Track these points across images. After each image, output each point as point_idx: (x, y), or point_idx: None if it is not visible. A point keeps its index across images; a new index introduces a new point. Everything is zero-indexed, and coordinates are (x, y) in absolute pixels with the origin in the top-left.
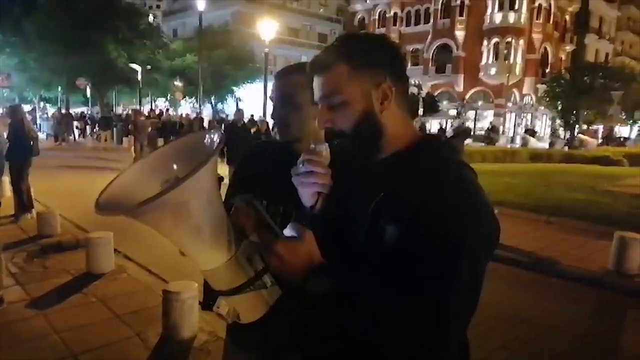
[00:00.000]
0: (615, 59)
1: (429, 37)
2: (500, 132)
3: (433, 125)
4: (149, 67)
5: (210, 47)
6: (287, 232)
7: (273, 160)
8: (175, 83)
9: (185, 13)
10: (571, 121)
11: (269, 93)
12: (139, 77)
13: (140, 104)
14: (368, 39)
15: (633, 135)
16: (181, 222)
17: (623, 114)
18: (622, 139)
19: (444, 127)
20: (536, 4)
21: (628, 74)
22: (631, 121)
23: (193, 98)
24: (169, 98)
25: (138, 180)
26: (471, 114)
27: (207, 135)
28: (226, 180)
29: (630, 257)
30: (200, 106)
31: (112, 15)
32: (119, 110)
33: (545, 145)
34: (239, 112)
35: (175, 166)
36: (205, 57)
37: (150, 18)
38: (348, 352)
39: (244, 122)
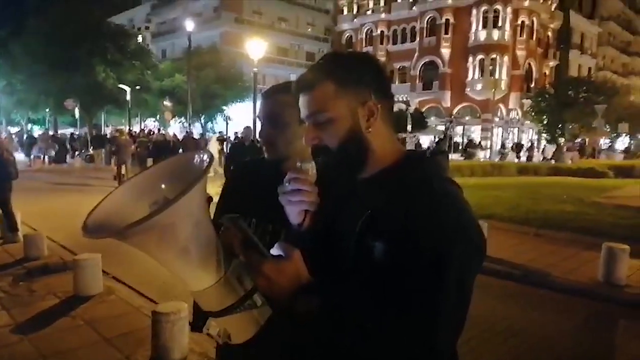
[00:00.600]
0: (597, 73)
1: (416, 54)
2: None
3: (425, 141)
4: (138, 87)
5: (199, 67)
6: (275, 251)
7: (262, 178)
8: (165, 103)
9: (173, 34)
10: (556, 135)
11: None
12: (128, 98)
13: (129, 124)
14: (353, 57)
15: (619, 147)
16: (170, 244)
17: (607, 127)
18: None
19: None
20: (519, 22)
21: (610, 88)
22: (615, 134)
23: (182, 117)
24: (158, 118)
25: (126, 201)
26: (459, 129)
27: (196, 156)
28: (216, 199)
29: (618, 268)
30: (189, 125)
31: (100, 37)
32: (108, 130)
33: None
34: (247, 129)
35: (163, 187)
36: (194, 77)
37: (139, 39)
38: None
39: (252, 139)
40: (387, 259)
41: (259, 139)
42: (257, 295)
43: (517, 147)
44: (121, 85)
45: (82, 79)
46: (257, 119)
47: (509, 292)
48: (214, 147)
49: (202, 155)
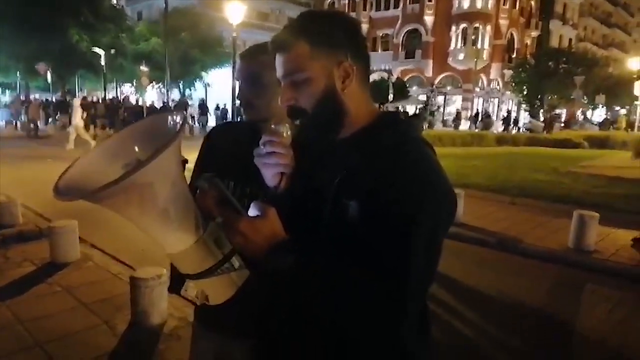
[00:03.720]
0: (578, 44)
1: (399, 22)
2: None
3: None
4: (112, 51)
5: (177, 30)
6: (251, 211)
7: (239, 141)
8: (141, 68)
9: None
10: (536, 105)
11: None
12: (103, 62)
13: (105, 90)
14: (328, 18)
15: (596, 119)
16: (145, 205)
17: (585, 98)
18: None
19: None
20: None
21: (590, 60)
22: (593, 105)
23: (160, 84)
24: (134, 84)
25: (98, 164)
26: (440, 98)
27: (169, 117)
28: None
29: (588, 235)
30: (167, 92)
31: None
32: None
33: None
34: None
35: (136, 149)
36: (171, 41)
37: (114, 0)
38: (313, 326)
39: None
40: (361, 217)
41: (238, 100)
42: (235, 257)
43: (475, 117)
44: (95, 49)
45: (54, 42)
46: (236, 81)
47: (485, 258)
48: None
49: (175, 116)
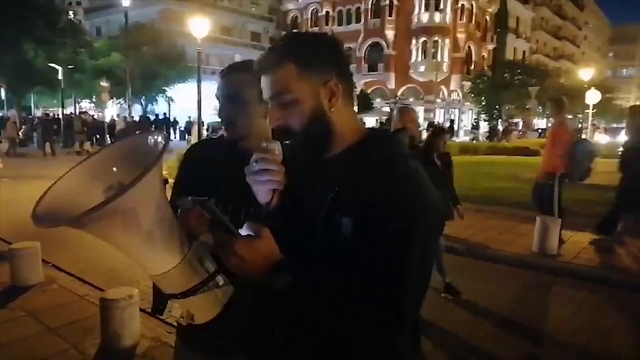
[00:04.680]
0: (531, 56)
1: (361, 36)
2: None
3: (370, 123)
4: (71, 66)
5: (138, 45)
6: (244, 231)
7: (219, 159)
8: (101, 83)
9: (108, 10)
10: (494, 115)
11: (203, 92)
12: (60, 77)
13: (62, 106)
14: (313, 39)
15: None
16: (130, 229)
17: (540, 108)
18: (539, 131)
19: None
20: (459, 5)
21: (543, 71)
22: (547, 114)
23: (121, 99)
24: (94, 99)
25: (78, 187)
26: None
27: (149, 137)
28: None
29: (550, 239)
30: (129, 107)
31: (27, 13)
32: (38, 113)
33: None
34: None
35: (116, 170)
36: (132, 56)
37: (71, 15)
38: (308, 341)
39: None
40: (355, 232)
41: (218, 117)
42: (220, 275)
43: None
44: (52, 65)
45: (8, 57)
46: (216, 98)
47: (454, 265)
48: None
49: (156, 137)
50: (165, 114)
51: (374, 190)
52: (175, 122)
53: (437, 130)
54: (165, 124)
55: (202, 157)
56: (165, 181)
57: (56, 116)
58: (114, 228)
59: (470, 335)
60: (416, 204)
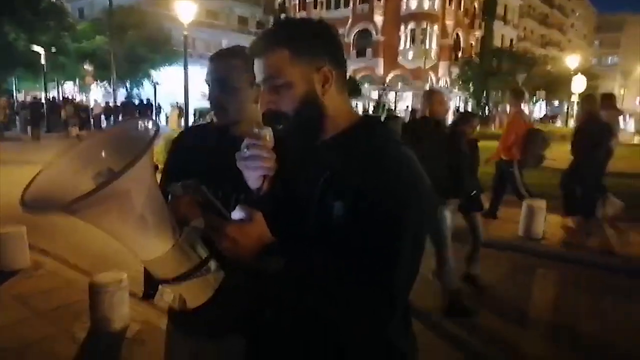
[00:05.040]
0: (519, 44)
1: (349, 21)
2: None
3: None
4: (53, 49)
5: (123, 28)
6: (236, 214)
7: (209, 144)
8: (85, 67)
9: None
10: (482, 102)
11: (190, 78)
12: (43, 61)
13: (45, 90)
14: (307, 24)
15: (537, 115)
16: (122, 215)
17: (527, 95)
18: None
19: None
20: None
21: (530, 58)
22: (534, 101)
23: (105, 82)
24: (77, 82)
25: (67, 173)
26: (392, 96)
27: (138, 123)
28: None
29: (536, 223)
30: (114, 91)
31: None
32: (20, 96)
33: None
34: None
35: (104, 156)
36: (117, 39)
37: None
38: (301, 324)
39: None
40: (347, 217)
41: (209, 102)
42: (212, 260)
43: (412, 112)
44: (34, 47)
45: None
46: (206, 84)
47: None
48: None
49: (145, 123)
50: (148, 99)
51: (367, 175)
52: (160, 108)
53: (465, 115)
54: (149, 109)
55: (192, 143)
56: (156, 167)
57: (40, 100)
58: (105, 214)
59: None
60: (408, 189)
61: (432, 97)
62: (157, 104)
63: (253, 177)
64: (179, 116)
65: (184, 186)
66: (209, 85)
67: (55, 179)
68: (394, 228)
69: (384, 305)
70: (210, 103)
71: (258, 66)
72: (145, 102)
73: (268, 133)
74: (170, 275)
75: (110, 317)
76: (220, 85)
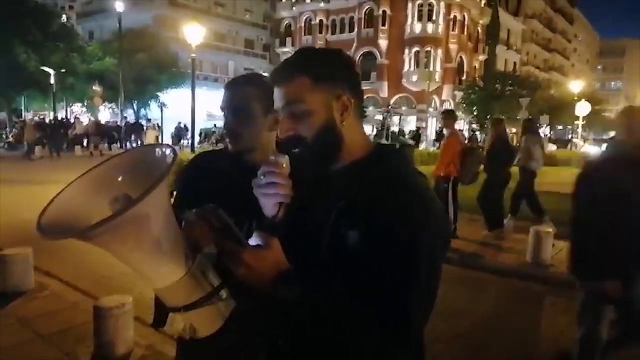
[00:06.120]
0: (522, 68)
1: (354, 45)
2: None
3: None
4: (63, 70)
5: (131, 50)
6: (252, 241)
7: (223, 171)
8: (94, 87)
9: (101, 15)
10: (485, 125)
11: (197, 99)
12: (52, 81)
13: (54, 110)
14: (328, 53)
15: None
16: (138, 241)
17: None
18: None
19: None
20: (451, 16)
21: (533, 82)
22: (537, 125)
23: (113, 103)
24: (86, 103)
25: (83, 198)
26: (396, 118)
27: (156, 149)
28: None
29: (544, 249)
30: (121, 112)
31: (19, 15)
32: (29, 116)
33: None
34: None
35: (121, 180)
36: (125, 61)
37: (63, 18)
38: (315, 352)
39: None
40: (361, 247)
41: (224, 130)
42: (223, 288)
43: (416, 135)
44: (44, 68)
45: None
46: (221, 111)
47: (448, 274)
48: None
49: (163, 149)
50: (137, 119)
51: (381, 204)
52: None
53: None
54: (135, 129)
55: (205, 169)
56: (171, 193)
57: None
58: (121, 241)
59: (464, 348)
60: (424, 219)
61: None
62: (151, 124)
63: (269, 204)
64: (157, 136)
65: (203, 210)
66: (224, 112)
67: (71, 204)
68: (410, 259)
69: (399, 336)
70: (225, 130)
71: (278, 94)
72: (154, 120)
73: (285, 160)
74: (182, 303)
75: (114, 341)
76: (235, 112)
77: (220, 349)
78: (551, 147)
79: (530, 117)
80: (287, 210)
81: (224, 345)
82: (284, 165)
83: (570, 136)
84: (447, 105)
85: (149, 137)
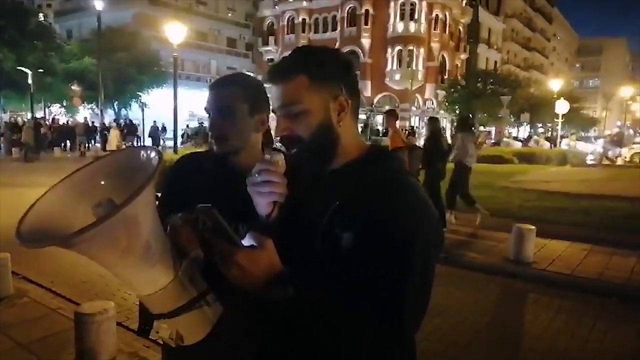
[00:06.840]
0: (502, 67)
1: (337, 44)
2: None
3: None
4: (40, 70)
5: (111, 49)
6: (246, 241)
7: (208, 173)
8: (73, 87)
9: (80, 13)
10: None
11: (179, 99)
12: (30, 81)
13: (32, 110)
14: (326, 53)
15: (521, 135)
16: (123, 249)
17: (511, 117)
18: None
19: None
20: (433, 15)
21: (514, 81)
22: (518, 123)
23: (93, 103)
24: (65, 104)
25: (64, 204)
26: (379, 118)
27: (139, 152)
28: None
29: (526, 247)
30: (101, 112)
31: None
32: (5, 117)
33: None
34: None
35: (105, 187)
36: (105, 60)
37: (41, 17)
38: (307, 354)
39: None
40: (354, 248)
41: (209, 131)
42: (210, 293)
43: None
44: (21, 68)
45: None
46: (206, 112)
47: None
48: None
49: (148, 151)
50: (93, 122)
51: (376, 206)
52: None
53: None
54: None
55: (190, 171)
56: (157, 197)
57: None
58: (106, 248)
59: (450, 346)
60: (417, 220)
61: None
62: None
63: (263, 203)
64: (121, 136)
65: (196, 210)
66: (208, 113)
67: (52, 210)
68: (402, 260)
69: (393, 337)
70: (211, 131)
71: (275, 92)
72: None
73: (280, 159)
74: (168, 309)
75: (96, 348)
76: (220, 113)
77: (207, 356)
78: (516, 145)
79: (468, 114)
80: (282, 209)
81: (211, 351)
82: (280, 164)
83: (549, 134)
84: (430, 104)
85: (112, 138)
